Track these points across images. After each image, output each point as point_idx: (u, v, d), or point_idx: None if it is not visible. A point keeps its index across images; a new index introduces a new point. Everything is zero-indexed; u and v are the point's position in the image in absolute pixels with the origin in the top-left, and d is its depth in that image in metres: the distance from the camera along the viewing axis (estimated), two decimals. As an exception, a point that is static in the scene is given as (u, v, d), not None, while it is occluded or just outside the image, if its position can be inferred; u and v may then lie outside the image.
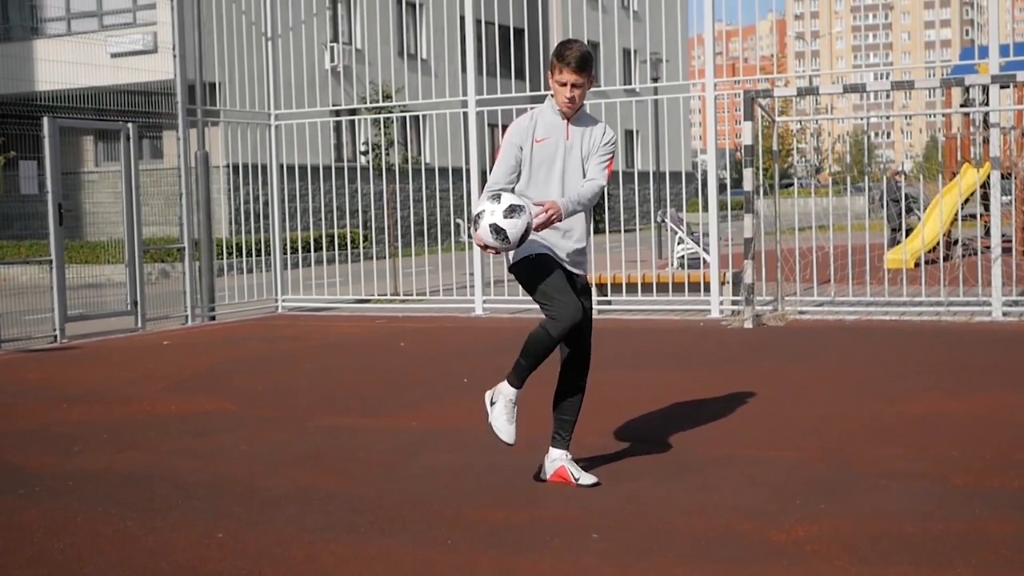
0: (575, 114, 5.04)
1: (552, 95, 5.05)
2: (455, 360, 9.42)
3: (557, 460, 5.13)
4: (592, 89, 5.11)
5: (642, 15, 41.61)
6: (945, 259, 12.90)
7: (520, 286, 5.12)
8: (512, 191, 4.95)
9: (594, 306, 12.48)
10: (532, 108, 5.36)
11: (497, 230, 4.71)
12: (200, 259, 13.36)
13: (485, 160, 13.68)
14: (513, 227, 4.70)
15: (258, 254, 15.84)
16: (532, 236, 4.86)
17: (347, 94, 27.82)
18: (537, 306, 5.00)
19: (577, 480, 5.04)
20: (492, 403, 4.96)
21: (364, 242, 23.42)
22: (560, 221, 4.90)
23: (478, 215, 4.76)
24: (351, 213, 25.05)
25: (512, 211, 4.71)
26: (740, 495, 4.89)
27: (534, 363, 4.87)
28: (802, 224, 13.26)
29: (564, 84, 4.93)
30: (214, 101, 16.32)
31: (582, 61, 4.89)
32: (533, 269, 4.92)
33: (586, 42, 5.24)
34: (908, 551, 4.07)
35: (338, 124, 25.80)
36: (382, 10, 28.86)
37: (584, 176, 5.02)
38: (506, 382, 4.93)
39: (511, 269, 5.05)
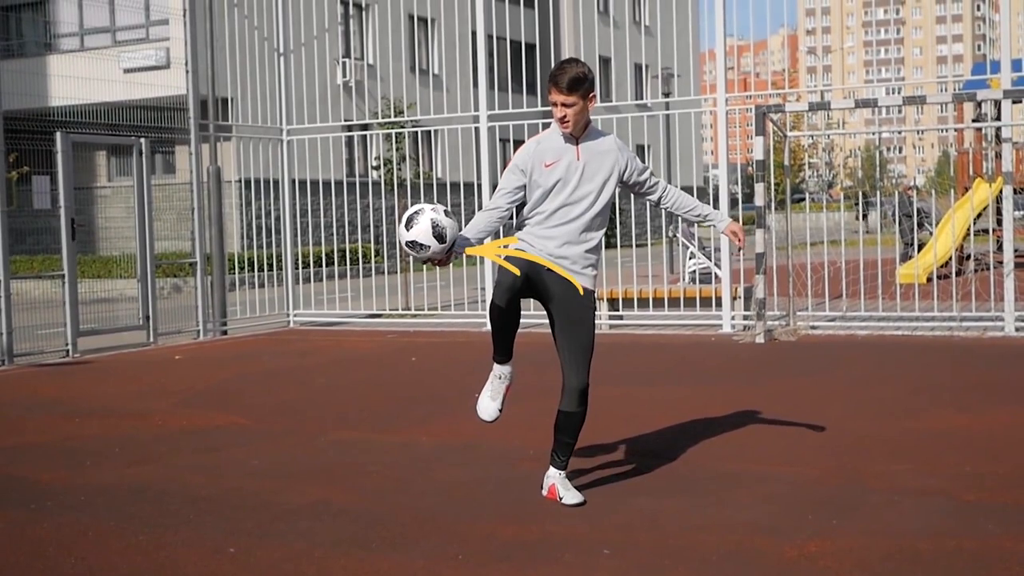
0: (582, 133, 5.04)
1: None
2: (466, 375, 9.40)
3: (551, 478, 5.16)
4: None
5: (653, 30, 41.66)
6: (957, 274, 12.85)
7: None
8: (511, 213, 5.07)
9: (606, 321, 12.55)
10: (543, 123, 5.39)
11: (412, 245, 4.78)
12: (212, 274, 13.40)
13: (497, 175, 13.69)
14: (418, 234, 4.76)
15: (270, 269, 15.87)
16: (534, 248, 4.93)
17: (359, 109, 27.91)
18: (546, 320, 5.09)
19: (561, 499, 5.04)
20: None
21: (376, 257, 23.46)
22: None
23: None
24: (363, 228, 25.12)
25: (409, 222, 4.80)
26: (752, 511, 4.88)
27: (494, 330, 5.04)
28: (814, 239, 13.22)
29: (556, 104, 4.96)
30: (226, 116, 16.39)
31: (572, 82, 4.89)
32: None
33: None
34: (921, 568, 4.05)
35: (350, 139, 25.85)
36: (394, 25, 28.93)
37: (603, 192, 5.01)
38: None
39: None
